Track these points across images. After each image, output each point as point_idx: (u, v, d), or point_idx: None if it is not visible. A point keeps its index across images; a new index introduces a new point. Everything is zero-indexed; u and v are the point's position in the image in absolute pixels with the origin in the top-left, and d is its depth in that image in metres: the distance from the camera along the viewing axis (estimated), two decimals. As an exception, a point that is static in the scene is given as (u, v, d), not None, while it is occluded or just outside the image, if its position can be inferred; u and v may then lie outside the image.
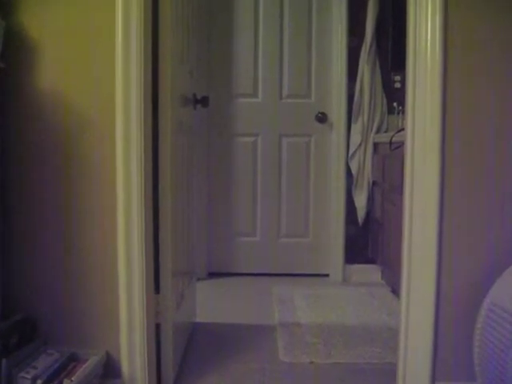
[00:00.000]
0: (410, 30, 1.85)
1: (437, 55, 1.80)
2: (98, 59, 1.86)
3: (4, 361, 1.66)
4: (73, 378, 1.73)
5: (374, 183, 3.79)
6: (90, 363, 1.83)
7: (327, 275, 4.00)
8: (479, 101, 1.83)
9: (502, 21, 1.81)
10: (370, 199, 3.83)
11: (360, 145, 3.79)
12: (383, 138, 3.51)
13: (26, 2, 1.86)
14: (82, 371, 1.77)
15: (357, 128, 3.79)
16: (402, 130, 2.98)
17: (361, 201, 3.85)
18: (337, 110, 3.87)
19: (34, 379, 1.67)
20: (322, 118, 3.92)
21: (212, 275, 4.03)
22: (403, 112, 3.55)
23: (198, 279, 3.52)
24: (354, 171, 3.83)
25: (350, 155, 3.84)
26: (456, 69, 1.82)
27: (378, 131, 3.79)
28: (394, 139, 3.13)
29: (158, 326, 2.08)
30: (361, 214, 3.86)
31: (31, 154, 1.89)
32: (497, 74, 1.82)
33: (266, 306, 3.29)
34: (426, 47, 1.81)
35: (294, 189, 4.03)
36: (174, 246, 2.16)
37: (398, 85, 3.83)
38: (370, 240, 3.89)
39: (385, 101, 3.81)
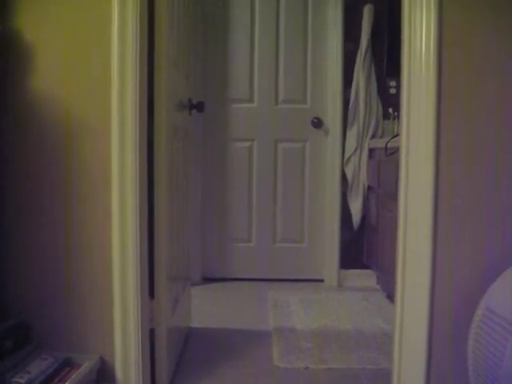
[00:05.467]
0: (405, 36, 1.86)
1: (431, 60, 1.81)
2: (94, 64, 1.86)
3: (-3, 365, 1.66)
4: (67, 383, 1.72)
5: (369, 188, 3.79)
6: (84, 368, 1.82)
7: (322, 280, 4.00)
8: (475, 105, 1.84)
9: (499, 21, 1.82)
10: (365, 205, 3.84)
11: (355, 150, 3.80)
12: (378, 143, 3.52)
13: (22, 7, 1.86)
14: (75, 376, 1.77)
15: (352, 133, 3.80)
16: (398, 135, 2.99)
17: (356, 206, 3.85)
18: (332, 116, 3.88)
19: (28, 384, 1.66)
20: (317, 123, 3.93)
21: (207, 280, 4.02)
22: (398, 118, 3.57)
23: (193, 284, 3.51)
24: (349, 176, 3.84)
25: (345, 160, 3.84)
26: (451, 74, 1.83)
27: (373, 137, 3.80)
28: (389, 145, 3.14)
29: (152, 331, 2.08)
30: (356, 219, 3.87)
31: (27, 156, 1.89)
32: (495, 77, 1.83)
33: (261, 311, 3.29)
34: (421, 53, 1.82)
35: (290, 194, 4.03)
36: (169, 250, 2.16)
37: (393, 90, 3.85)
38: (365, 245, 3.89)
39: (380, 106, 3.82)
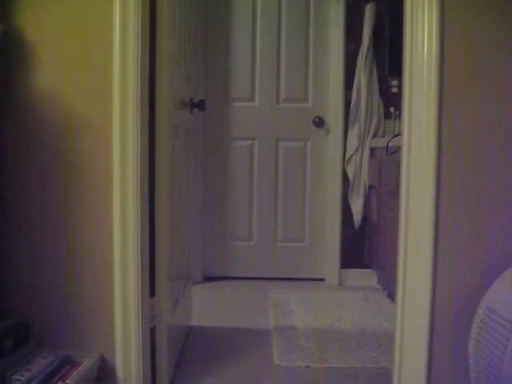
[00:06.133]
0: (406, 35, 1.86)
1: (433, 60, 1.81)
2: (96, 62, 1.86)
3: (-2, 363, 1.66)
4: (67, 381, 1.72)
5: (370, 188, 3.79)
6: (85, 366, 1.82)
7: (323, 279, 4.00)
8: (477, 105, 1.84)
9: (500, 21, 1.82)
10: (366, 204, 3.84)
11: (357, 149, 3.79)
12: (380, 142, 3.52)
13: (24, 6, 1.86)
14: (76, 374, 1.77)
15: (353, 133, 3.80)
16: (399, 134, 2.99)
17: (357, 205, 3.85)
18: (334, 115, 3.88)
19: (29, 382, 1.66)
20: (318, 122, 3.92)
21: (208, 279, 4.02)
22: (400, 117, 3.57)
23: (194, 283, 3.51)
24: (350, 176, 3.84)
25: (346, 160, 3.84)
26: (453, 73, 1.83)
27: (374, 136, 3.80)
28: (390, 144, 3.14)
29: (153, 330, 2.08)
30: (357, 218, 3.87)
31: (28, 155, 1.89)
32: (496, 77, 1.83)
33: (262, 309, 3.29)
34: (423, 52, 1.82)
35: (291, 193, 4.03)
36: (169, 249, 2.16)
37: (394, 90, 3.85)
38: (366, 244, 3.89)
39: (381, 106, 3.82)
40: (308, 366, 2.41)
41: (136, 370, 1.92)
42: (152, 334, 2.06)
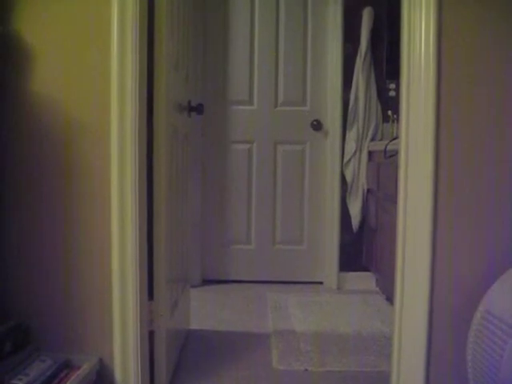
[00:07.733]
0: (404, 38, 1.86)
1: (431, 63, 1.81)
2: (94, 66, 1.86)
3: (-4, 367, 1.65)
4: (65, 385, 1.72)
5: (368, 191, 3.79)
6: (83, 370, 1.82)
7: (321, 283, 4.01)
8: (475, 108, 1.84)
9: (499, 24, 1.82)
10: (365, 207, 3.84)
11: (355, 153, 3.80)
12: (378, 146, 3.52)
13: (22, 8, 1.86)
14: (74, 378, 1.76)
15: (351, 136, 3.81)
16: (397, 138, 2.99)
17: (355, 209, 3.86)
18: (332, 118, 3.89)
19: (27, 386, 1.66)
20: (316, 125, 3.93)
21: (206, 282, 4.02)
22: (398, 120, 3.57)
23: (193, 286, 3.51)
24: (348, 179, 3.84)
25: (344, 163, 3.85)
26: (450, 76, 1.83)
27: (372, 139, 3.80)
28: (388, 147, 3.14)
29: (151, 333, 2.08)
30: (355, 221, 3.87)
31: (27, 159, 1.89)
32: (495, 79, 1.83)
33: (261, 313, 3.28)
34: (420, 55, 1.82)
35: (289, 196, 4.04)
36: (168, 252, 2.16)
37: (392, 93, 3.85)
38: (364, 248, 3.89)
39: (379, 109, 3.83)
40: (307, 370, 2.41)
41: (134, 374, 1.92)
42: (150, 338, 2.06)
